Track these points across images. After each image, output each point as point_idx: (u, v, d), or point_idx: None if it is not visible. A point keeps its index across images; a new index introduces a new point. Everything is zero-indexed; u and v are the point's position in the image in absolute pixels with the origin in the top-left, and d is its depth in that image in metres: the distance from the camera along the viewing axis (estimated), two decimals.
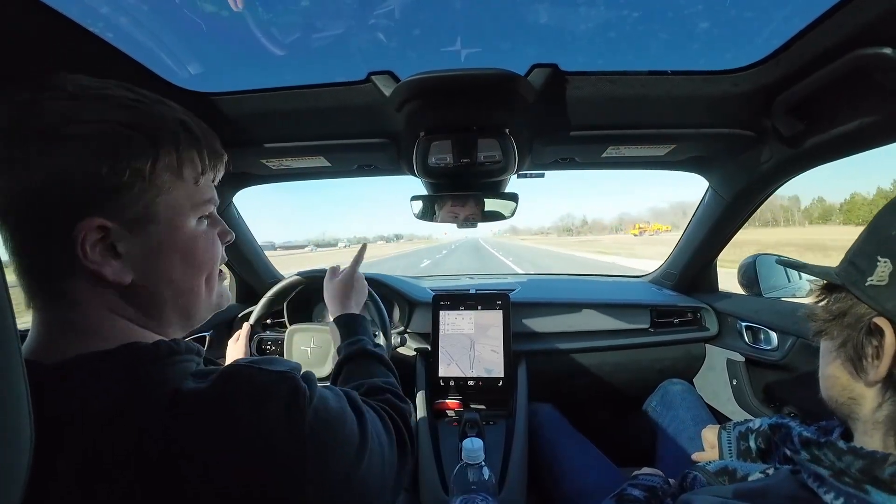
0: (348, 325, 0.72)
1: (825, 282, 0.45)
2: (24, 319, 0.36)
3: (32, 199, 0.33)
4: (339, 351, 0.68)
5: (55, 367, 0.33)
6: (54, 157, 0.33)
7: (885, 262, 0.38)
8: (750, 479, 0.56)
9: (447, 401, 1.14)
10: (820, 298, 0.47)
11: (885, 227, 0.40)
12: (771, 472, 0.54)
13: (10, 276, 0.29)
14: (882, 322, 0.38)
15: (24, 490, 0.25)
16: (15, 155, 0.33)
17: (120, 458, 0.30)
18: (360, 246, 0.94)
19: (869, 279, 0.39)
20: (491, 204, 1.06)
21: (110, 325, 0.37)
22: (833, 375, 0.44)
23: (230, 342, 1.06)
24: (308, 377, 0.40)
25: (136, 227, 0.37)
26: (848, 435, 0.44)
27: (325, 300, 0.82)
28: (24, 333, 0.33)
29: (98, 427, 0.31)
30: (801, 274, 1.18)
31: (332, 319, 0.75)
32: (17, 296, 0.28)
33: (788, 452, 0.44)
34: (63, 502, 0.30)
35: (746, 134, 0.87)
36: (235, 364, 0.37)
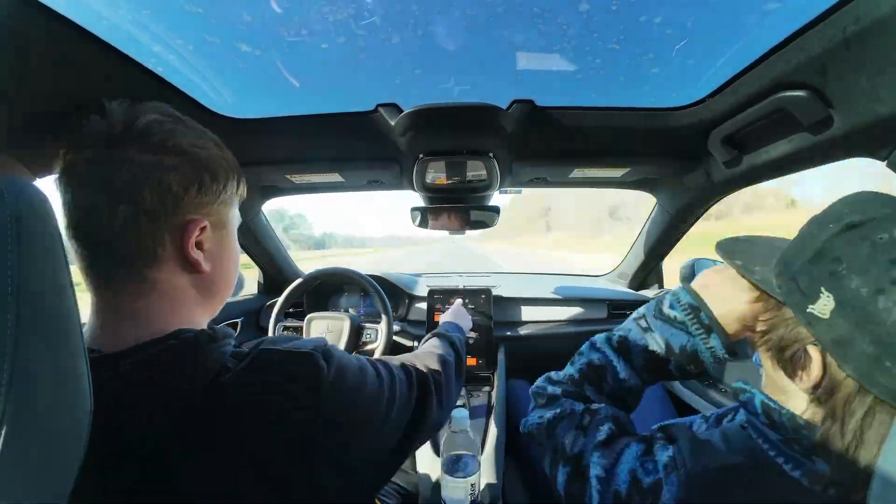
0: (454, 327, 0.98)
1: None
2: None
3: (148, 193, 0.39)
4: (438, 327, 0.94)
5: (115, 355, 0.37)
6: (179, 165, 0.41)
7: (828, 297, 0.35)
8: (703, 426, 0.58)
9: None
10: (758, 298, 0.46)
11: (834, 258, 0.36)
12: (727, 420, 0.55)
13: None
14: (813, 351, 0.37)
15: (84, 449, 0.28)
16: (146, 159, 0.40)
17: (166, 429, 0.35)
18: None
19: (811, 306, 0.37)
20: (477, 215, 1.21)
21: (173, 307, 0.43)
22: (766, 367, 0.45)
23: None
24: (328, 353, 0.45)
25: (215, 230, 0.47)
26: None
27: (443, 314, 1.13)
28: None
29: (151, 409, 0.35)
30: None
31: (442, 321, 1.05)
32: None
33: (747, 414, 0.45)
34: (118, 478, 0.34)
35: (688, 160, 1.01)
36: (265, 346, 0.43)
